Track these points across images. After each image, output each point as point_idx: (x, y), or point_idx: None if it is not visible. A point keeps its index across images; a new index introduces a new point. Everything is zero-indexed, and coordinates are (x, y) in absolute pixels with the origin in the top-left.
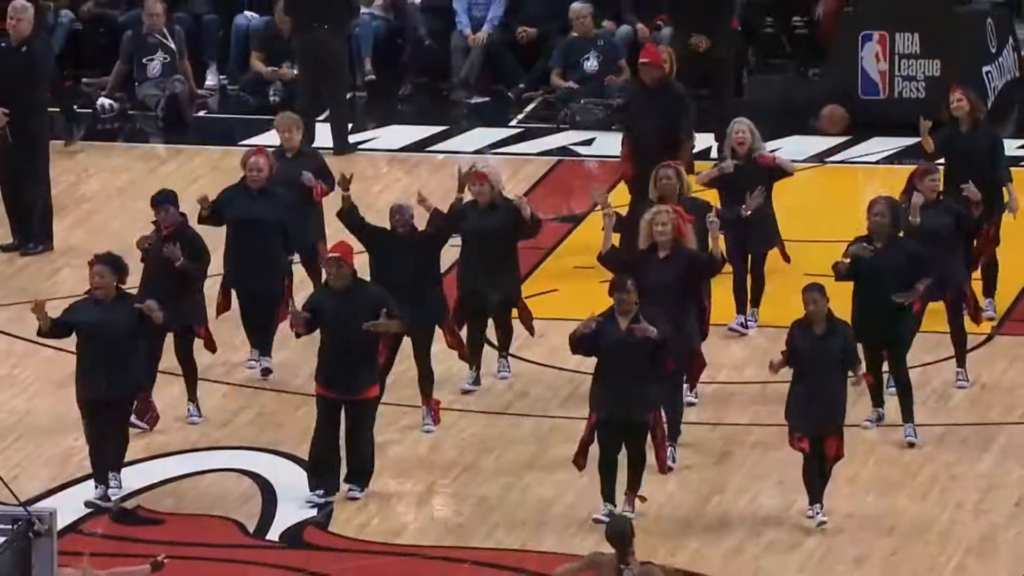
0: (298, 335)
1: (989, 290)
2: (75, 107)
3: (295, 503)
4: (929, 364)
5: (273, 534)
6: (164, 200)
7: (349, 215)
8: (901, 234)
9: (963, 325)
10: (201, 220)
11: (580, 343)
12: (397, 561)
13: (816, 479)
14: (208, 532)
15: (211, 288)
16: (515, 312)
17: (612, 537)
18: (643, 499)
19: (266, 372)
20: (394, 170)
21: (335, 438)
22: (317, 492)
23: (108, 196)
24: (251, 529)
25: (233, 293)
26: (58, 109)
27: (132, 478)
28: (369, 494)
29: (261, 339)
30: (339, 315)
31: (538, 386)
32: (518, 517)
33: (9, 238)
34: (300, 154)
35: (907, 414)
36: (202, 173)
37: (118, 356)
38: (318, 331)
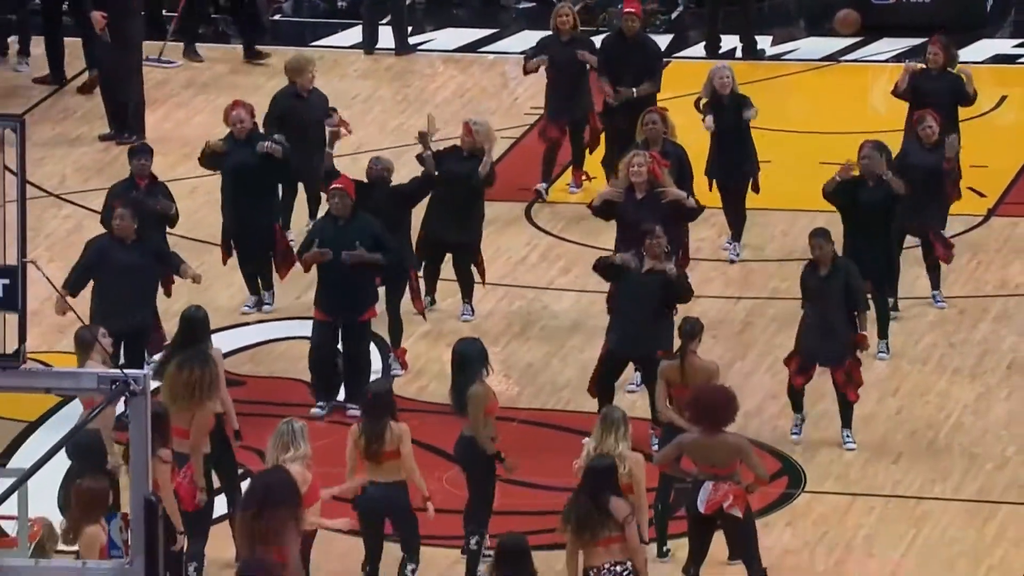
0: (307, 269)
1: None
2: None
3: None
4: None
5: (341, 394)
6: (141, 152)
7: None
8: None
9: (937, 261)
10: (201, 161)
11: (607, 270)
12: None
13: (799, 399)
14: (283, 393)
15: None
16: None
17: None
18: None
19: (259, 304)
20: (449, 69)
21: (335, 357)
22: (320, 404)
23: (194, 91)
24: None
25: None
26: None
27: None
28: (427, 359)
29: (261, 279)
30: (341, 242)
31: (579, 264)
32: (560, 380)
33: (106, 128)
34: (314, 93)
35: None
36: (278, 71)
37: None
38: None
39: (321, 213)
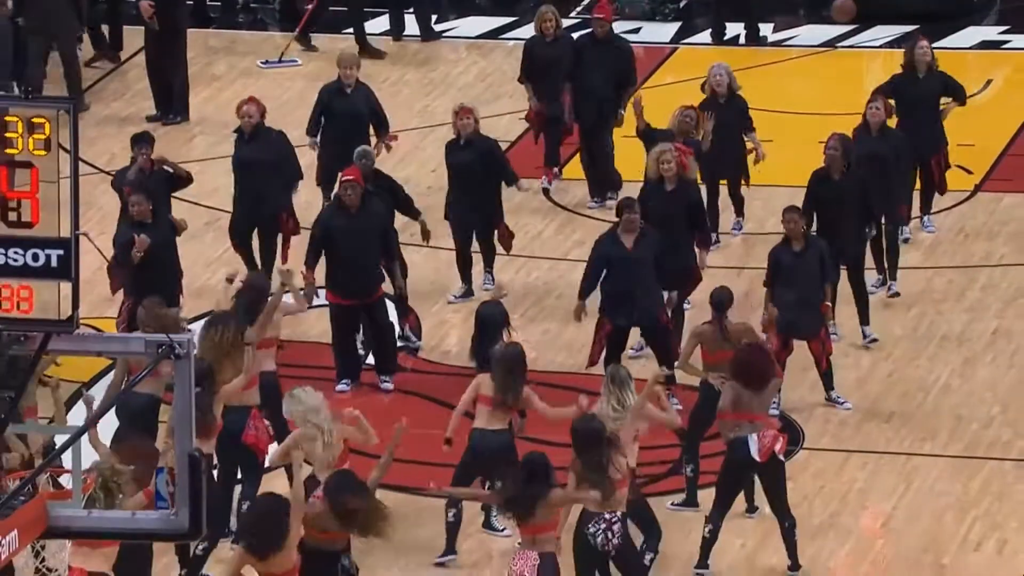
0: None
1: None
2: None
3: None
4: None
5: (370, 358)
6: (143, 140)
7: None
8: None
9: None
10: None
11: (587, 286)
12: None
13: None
14: (318, 357)
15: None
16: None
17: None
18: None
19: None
20: (472, 55)
21: (354, 338)
22: (344, 381)
23: (235, 75)
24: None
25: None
26: None
27: None
28: (451, 325)
29: (263, 265)
30: (351, 231)
31: (594, 237)
32: (576, 345)
33: (153, 110)
34: (358, 89)
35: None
36: (313, 57)
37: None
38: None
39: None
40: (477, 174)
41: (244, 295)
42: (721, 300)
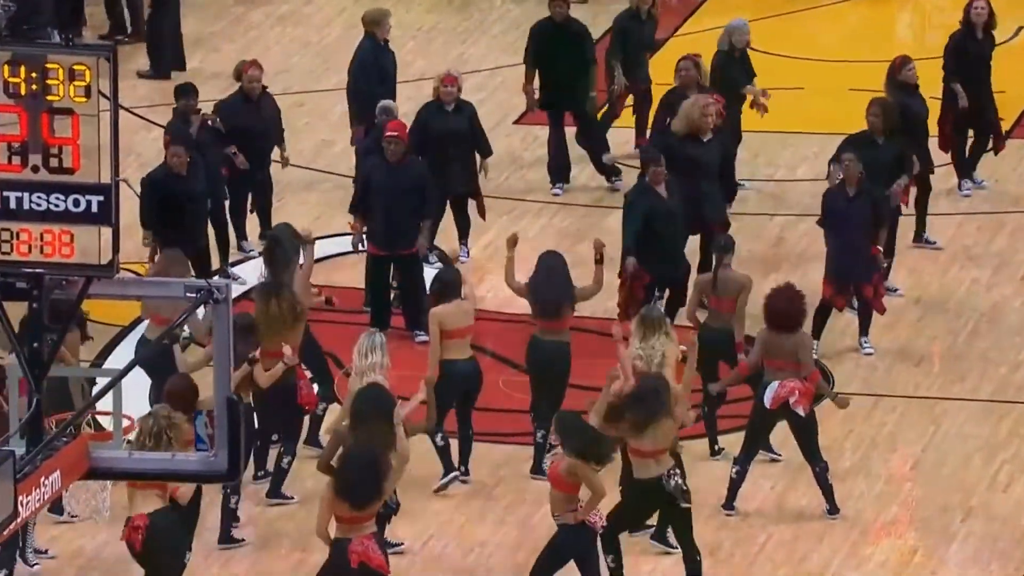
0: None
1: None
2: None
3: None
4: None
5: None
6: (187, 90)
7: None
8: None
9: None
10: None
11: (635, 241)
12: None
13: (823, 324)
14: (355, 301)
15: None
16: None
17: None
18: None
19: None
20: (506, 3)
21: (388, 289)
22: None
23: (270, 24)
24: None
25: None
26: None
27: None
28: (486, 271)
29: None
30: (392, 183)
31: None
32: (606, 292)
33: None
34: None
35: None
36: (347, 5)
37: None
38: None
39: None
40: (467, 139)
41: (269, 250)
42: (724, 245)
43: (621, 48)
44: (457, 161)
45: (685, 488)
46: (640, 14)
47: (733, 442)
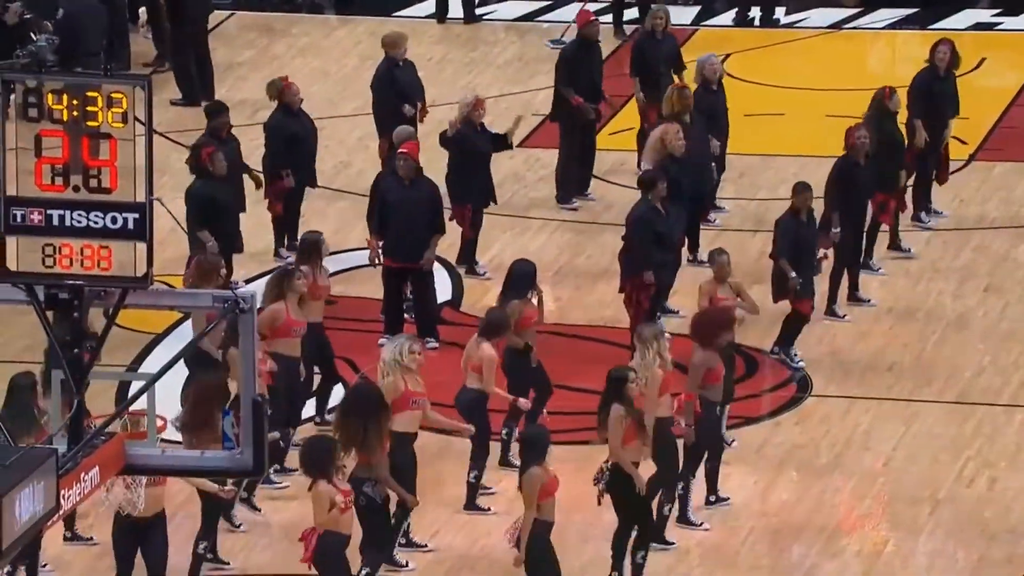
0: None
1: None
2: None
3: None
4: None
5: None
6: (220, 109)
7: None
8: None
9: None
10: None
11: (648, 258)
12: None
13: (798, 332)
14: (369, 311)
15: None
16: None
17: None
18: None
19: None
20: (510, 35)
21: (402, 298)
22: (387, 337)
23: (291, 55)
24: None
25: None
26: None
27: None
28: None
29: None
30: (406, 201)
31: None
32: (605, 300)
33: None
34: (408, 63)
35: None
36: (363, 38)
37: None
38: None
39: None
40: (489, 157)
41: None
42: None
43: (639, 67)
44: (486, 174)
45: None
46: (656, 34)
47: (740, 434)
